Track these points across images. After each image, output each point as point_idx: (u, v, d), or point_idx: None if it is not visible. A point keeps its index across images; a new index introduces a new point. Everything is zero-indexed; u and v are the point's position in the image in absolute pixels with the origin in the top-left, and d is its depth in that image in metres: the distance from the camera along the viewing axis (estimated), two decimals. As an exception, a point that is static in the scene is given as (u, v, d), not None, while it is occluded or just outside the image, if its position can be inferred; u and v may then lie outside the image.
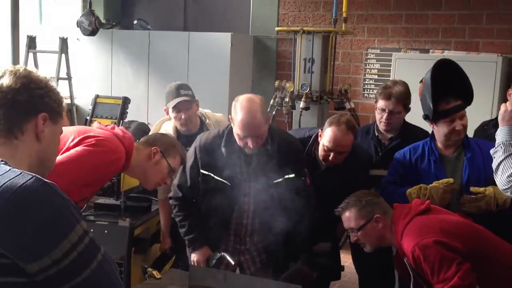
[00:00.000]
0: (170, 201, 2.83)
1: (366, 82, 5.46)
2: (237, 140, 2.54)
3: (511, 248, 2.40)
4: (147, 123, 3.64)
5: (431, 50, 5.13)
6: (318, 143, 2.90)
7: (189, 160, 2.68)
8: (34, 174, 1.18)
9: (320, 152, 2.87)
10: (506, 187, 2.16)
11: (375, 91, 5.26)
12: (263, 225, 2.65)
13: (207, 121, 3.26)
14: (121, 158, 2.26)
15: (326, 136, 2.81)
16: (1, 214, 1.11)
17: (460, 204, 2.61)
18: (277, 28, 4.69)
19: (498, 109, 4.61)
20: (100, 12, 5.97)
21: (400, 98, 3.01)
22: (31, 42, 5.29)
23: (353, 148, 2.88)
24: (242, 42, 5.81)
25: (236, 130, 2.50)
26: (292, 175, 2.61)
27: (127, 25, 6.25)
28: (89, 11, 4.42)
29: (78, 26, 4.71)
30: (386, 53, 5.33)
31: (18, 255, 1.11)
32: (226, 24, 6.11)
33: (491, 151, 2.27)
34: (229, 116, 2.56)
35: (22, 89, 1.29)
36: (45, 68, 5.24)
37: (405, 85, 3.08)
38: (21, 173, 1.17)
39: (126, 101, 3.02)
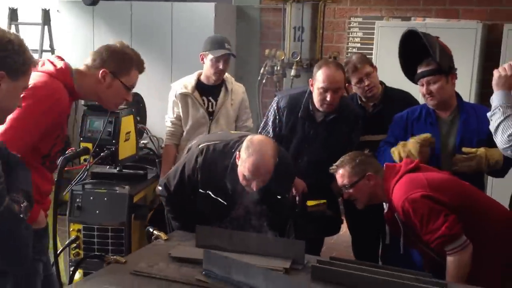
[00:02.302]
0: (160, 198, 2.87)
1: (349, 51, 5.53)
2: (240, 178, 2.48)
3: (495, 203, 2.56)
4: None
5: (412, 18, 5.22)
6: (311, 94, 3.03)
7: (187, 171, 2.65)
8: None
9: (317, 98, 2.99)
10: (507, 145, 2.25)
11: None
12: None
13: (228, 84, 3.42)
14: (61, 97, 2.10)
15: (319, 78, 2.95)
16: None
17: (451, 164, 2.74)
18: (268, -4, 4.73)
19: (479, 75, 4.82)
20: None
21: (361, 60, 3.19)
22: (13, 14, 5.23)
23: (345, 100, 3.07)
24: (225, 12, 5.82)
25: (244, 171, 2.44)
26: (279, 197, 2.65)
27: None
28: None
29: None
30: (369, 21, 5.40)
31: None
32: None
33: (488, 114, 2.37)
34: (237, 152, 2.52)
35: None
36: (28, 40, 5.18)
37: (357, 53, 3.32)
38: None
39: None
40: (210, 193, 2.60)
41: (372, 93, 3.21)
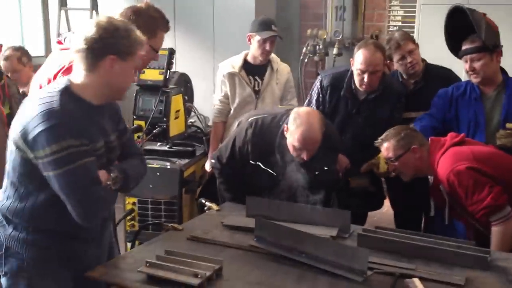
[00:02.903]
0: (214, 170, 3.01)
1: (390, 30, 5.52)
2: (290, 149, 2.63)
3: None
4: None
5: (455, -4, 5.18)
6: (353, 73, 3.12)
7: (238, 143, 2.79)
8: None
9: (356, 78, 3.08)
10: None
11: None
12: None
13: (274, 64, 3.53)
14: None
15: (357, 59, 3.03)
16: (31, 124, 1.73)
17: (496, 139, 2.79)
18: (309, -23, 4.79)
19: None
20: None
21: (405, 37, 3.23)
22: (62, 0, 5.43)
23: (387, 78, 3.13)
24: (265, -8, 5.89)
25: (293, 142, 2.58)
26: (326, 168, 2.77)
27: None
28: None
29: None
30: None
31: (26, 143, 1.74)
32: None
33: None
34: (285, 125, 2.65)
35: (98, 39, 1.79)
36: (77, 25, 5.39)
37: (399, 31, 3.28)
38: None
39: (172, 51, 3.20)
40: (260, 164, 2.73)
41: (414, 70, 3.25)
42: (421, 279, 1.91)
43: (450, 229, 2.70)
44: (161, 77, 3.18)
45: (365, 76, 3.02)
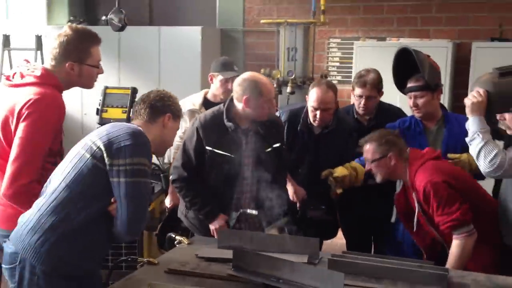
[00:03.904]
0: (174, 184, 3.07)
1: (329, 70, 5.88)
2: (259, 111, 2.89)
3: (488, 195, 2.87)
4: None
5: (387, 38, 5.62)
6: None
7: (191, 140, 2.96)
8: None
9: (310, 114, 3.31)
10: (490, 169, 2.46)
11: (338, 78, 5.76)
12: (259, 191, 3.00)
13: None
14: (60, 103, 2.36)
15: (311, 97, 3.27)
16: (119, 137, 2.11)
17: None
18: (262, 21, 5.06)
19: (451, 90, 5.20)
20: (63, 8, 6.10)
21: (374, 84, 3.41)
22: (6, 40, 5.39)
23: (341, 114, 3.38)
24: (211, 35, 6.11)
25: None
26: (278, 144, 3.03)
27: (93, 21, 6.40)
28: (118, 9, 4.70)
29: (108, 24, 4.94)
30: (347, 42, 5.78)
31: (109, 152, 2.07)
32: (192, 18, 6.37)
33: (467, 139, 2.56)
34: (244, 97, 2.88)
35: (159, 100, 2.33)
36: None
37: (377, 72, 3.46)
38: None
39: (134, 90, 3.29)
40: (215, 150, 2.90)
41: (364, 112, 3.48)
42: (391, 297, 2.08)
43: (400, 249, 2.91)
44: (124, 116, 3.25)
45: (318, 113, 3.25)
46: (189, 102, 3.68)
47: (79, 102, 6.34)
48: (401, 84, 3.21)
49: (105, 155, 2.07)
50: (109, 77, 5.95)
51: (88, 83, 2.50)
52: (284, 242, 2.56)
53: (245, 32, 6.16)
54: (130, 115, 3.27)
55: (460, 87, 5.17)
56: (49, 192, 2.14)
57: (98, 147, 2.10)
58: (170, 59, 5.97)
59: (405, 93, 3.19)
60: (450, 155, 3.05)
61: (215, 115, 3.02)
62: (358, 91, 3.42)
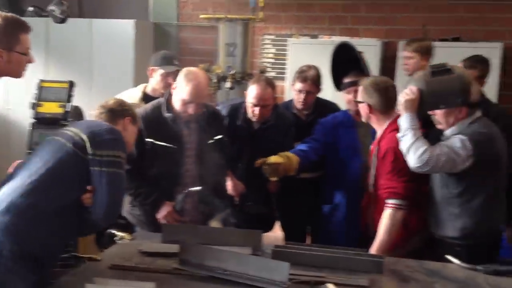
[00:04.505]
0: None
1: (264, 65, 5.95)
2: (178, 104, 2.97)
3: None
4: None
5: (319, 36, 5.79)
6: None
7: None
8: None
9: (249, 110, 3.36)
10: (419, 165, 2.59)
11: (272, 74, 5.86)
12: (203, 182, 3.06)
13: None
14: None
15: (250, 94, 3.33)
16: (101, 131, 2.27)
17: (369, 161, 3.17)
18: (201, 16, 5.04)
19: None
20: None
21: (314, 80, 3.53)
22: None
23: (279, 110, 3.46)
24: (144, 29, 6.03)
25: (183, 95, 2.95)
26: (220, 136, 3.11)
27: (18, 13, 6.12)
28: (59, 0, 4.50)
29: (49, 15, 4.71)
30: (281, 38, 5.90)
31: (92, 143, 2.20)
32: (124, 11, 6.26)
33: (399, 135, 2.69)
34: (173, 85, 3.00)
35: (118, 105, 2.51)
36: None
37: (317, 69, 3.58)
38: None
39: (72, 84, 3.19)
40: (156, 142, 2.95)
41: (303, 108, 3.58)
42: (333, 284, 2.18)
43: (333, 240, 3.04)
44: (61, 110, 3.15)
45: (257, 109, 3.31)
46: (127, 97, 3.63)
47: (1, 97, 6.09)
48: (336, 80, 3.32)
49: (88, 145, 2.19)
50: (37, 72, 5.75)
51: (17, 71, 2.40)
52: (228, 235, 2.61)
53: (180, 26, 6.13)
54: (67, 109, 3.19)
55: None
56: (25, 175, 2.16)
57: (81, 138, 2.21)
58: (102, 53, 5.84)
59: (343, 89, 3.29)
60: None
61: (155, 108, 3.06)
62: (298, 86, 3.52)
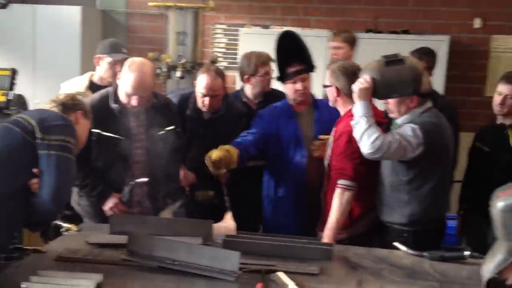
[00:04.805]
0: None
1: (215, 55, 5.90)
2: (122, 96, 2.90)
3: None
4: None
5: (271, 26, 5.78)
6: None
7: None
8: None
9: (198, 100, 3.31)
10: (371, 151, 2.62)
11: (224, 64, 5.82)
12: (152, 174, 3.01)
13: None
14: None
15: (200, 84, 3.27)
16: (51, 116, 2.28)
17: (312, 150, 3.15)
18: (150, 3, 4.92)
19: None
20: None
21: (270, 59, 3.51)
22: None
23: (230, 99, 3.42)
24: (91, 16, 5.87)
25: (125, 88, 2.88)
26: (172, 127, 3.04)
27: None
28: None
29: None
30: (232, 28, 5.86)
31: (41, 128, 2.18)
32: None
33: (352, 123, 2.71)
34: (118, 75, 2.93)
35: (70, 99, 2.50)
36: None
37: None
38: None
39: (14, 71, 3.07)
40: (103, 133, 2.87)
41: (265, 90, 3.56)
42: (284, 272, 2.19)
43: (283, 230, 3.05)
44: (3, 98, 3.04)
45: (207, 99, 3.27)
46: (74, 85, 3.53)
47: None
48: (280, 69, 3.24)
49: (37, 129, 2.18)
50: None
51: None
52: (178, 225, 2.58)
53: (129, 14, 5.99)
54: (10, 97, 3.07)
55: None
56: None
57: (29, 123, 2.20)
58: (47, 40, 5.64)
59: (288, 78, 3.20)
60: (321, 136, 3.16)
61: (103, 97, 2.99)
62: (263, 69, 3.51)
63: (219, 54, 5.91)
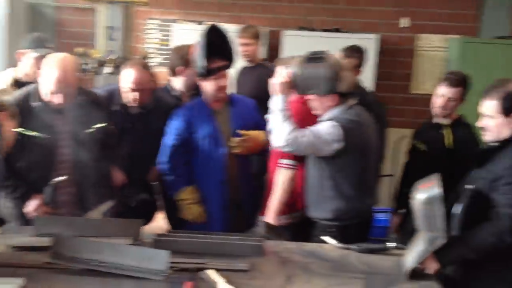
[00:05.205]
0: None
1: (149, 51, 5.81)
2: (45, 94, 2.80)
3: None
4: None
5: (205, 22, 5.72)
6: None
7: None
8: None
9: (126, 95, 3.23)
10: (283, 144, 2.66)
11: (158, 60, 5.74)
12: (80, 173, 2.91)
13: None
14: None
15: (126, 78, 3.20)
16: None
17: (232, 148, 3.11)
18: (80, -3, 4.77)
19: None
20: None
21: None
22: None
23: (158, 93, 3.36)
24: (17, 9, 5.61)
25: (48, 85, 2.77)
26: (102, 125, 2.96)
27: None
28: None
29: None
30: (166, 24, 5.78)
31: None
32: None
33: (268, 116, 2.73)
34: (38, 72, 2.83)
35: None
36: None
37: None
38: None
39: None
40: (25, 132, 2.75)
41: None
42: (214, 270, 2.18)
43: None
44: None
45: (135, 94, 3.20)
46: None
47: None
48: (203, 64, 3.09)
49: None
50: None
51: None
52: (106, 226, 2.53)
53: (57, 7, 5.78)
54: None
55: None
56: None
57: None
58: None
59: (211, 74, 3.09)
60: (242, 132, 3.13)
61: (25, 95, 2.86)
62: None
63: (152, 50, 5.83)
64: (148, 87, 3.25)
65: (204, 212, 3.13)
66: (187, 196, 3.12)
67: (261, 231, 2.85)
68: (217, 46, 3.08)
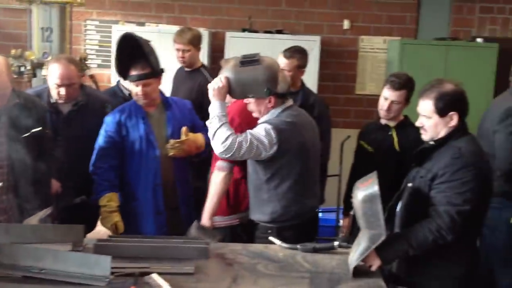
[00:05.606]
0: None
1: (88, 52, 5.66)
2: (53, 91, 2.89)
3: None
4: None
5: (146, 24, 5.66)
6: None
7: None
8: None
9: (53, 91, 3.14)
10: (222, 150, 2.62)
11: (97, 61, 5.62)
12: (16, 180, 2.78)
13: None
14: None
15: (52, 74, 3.10)
16: None
17: (168, 150, 3.03)
18: (13, -2, 4.57)
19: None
20: None
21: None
22: None
23: (88, 90, 3.31)
24: None
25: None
26: (38, 129, 2.83)
27: None
28: None
29: None
30: (105, 25, 5.65)
31: None
32: None
33: (207, 122, 2.69)
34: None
35: None
36: None
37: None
38: None
39: None
40: None
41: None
42: (158, 274, 2.14)
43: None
44: None
45: (62, 89, 3.11)
46: None
47: None
48: (121, 71, 3.05)
49: None
50: None
51: None
52: (45, 232, 2.43)
53: (-10, 9, 5.55)
54: None
55: (215, 74, 5.46)
56: None
57: None
58: None
59: (130, 80, 3.03)
60: (183, 133, 3.07)
61: None
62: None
63: (92, 52, 5.68)
64: (76, 81, 3.16)
65: (121, 222, 2.96)
66: (105, 203, 2.98)
67: (193, 233, 2.81)
68: (131, 55, 2.98)
